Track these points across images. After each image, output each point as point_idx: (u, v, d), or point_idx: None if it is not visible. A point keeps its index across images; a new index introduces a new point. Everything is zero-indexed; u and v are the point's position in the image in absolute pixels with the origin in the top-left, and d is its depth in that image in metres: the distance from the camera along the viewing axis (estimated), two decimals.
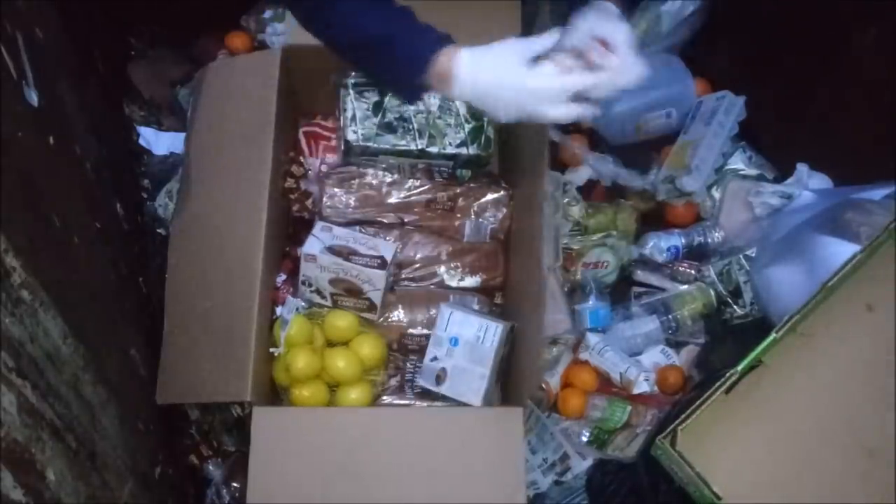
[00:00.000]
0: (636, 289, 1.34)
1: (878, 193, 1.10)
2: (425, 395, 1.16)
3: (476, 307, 1.20)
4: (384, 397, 1.18)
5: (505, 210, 1.25)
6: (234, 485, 1.20)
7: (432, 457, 1.01)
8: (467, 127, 1.22)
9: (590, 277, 1.28)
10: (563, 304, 1.23)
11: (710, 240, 1.30)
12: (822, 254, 1.05)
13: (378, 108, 1.21)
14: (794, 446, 0.85)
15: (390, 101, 1.21)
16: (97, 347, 0.95)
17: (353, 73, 1.20)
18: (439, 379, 1.12)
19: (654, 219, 1.36)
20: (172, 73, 1.44)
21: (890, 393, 0.85)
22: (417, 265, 1.22)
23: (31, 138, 0.90)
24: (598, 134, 1.39)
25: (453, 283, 1.22)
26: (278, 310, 1.16)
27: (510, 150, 1.28)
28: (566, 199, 1.31)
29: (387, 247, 1.15)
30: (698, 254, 1.31)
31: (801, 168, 1.26)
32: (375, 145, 1.20)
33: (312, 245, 1.13)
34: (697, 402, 0.83)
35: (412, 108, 1.21)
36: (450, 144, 1.22)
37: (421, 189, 1.23)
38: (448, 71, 0.79)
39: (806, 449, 0.84)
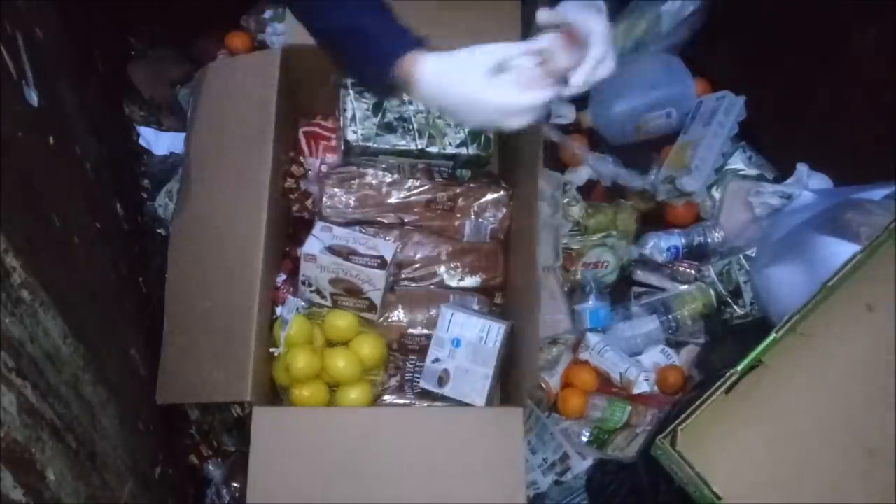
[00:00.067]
0: (636, 289, 1.34)
1: (878, 193, 1.10)
2: (425, 395, 1.16)
3: (476, 307, 1.20)
4: (384, 397, 1.18)
5: (505, 210, 1.25)
6: (234, 485, 1.20)
7: (432, 457, 1.01)
8: (467, 127, 1.22)
9: (590, 277, 1.28)
10: (563, 304, 1.23)
11: (710, 240, 1.30)
12: (822, 254, 1.05)
13: (378, 108, 1.21)
14: (794, 446, 0.85)
15: (390, 101, 1.21)
16: (97, 347, 0.95)
17: None
18: (442, 380, 1.12)
19: (654, 219, 1.36)
20: (172, 73, 1.44)
21: (890, 393, 0.85)
22: (417, 265, 1.22)
23: (31, 138, 0.90)
24: (598, 134, 1.39)
25: (453, 283, 1.22)
26: (278, 310, 1.16)
27: (510, 150, 1.28)
28: (566, 199, 1.31)
29: (387, 247, 1.15)
30: (698, 254, 1.31)
31: (801, 168, 1.26)
32: (375, 145, 1.20)
33: (312, 245, 1.13)
34: (697, 402, 0.83)
35: (412, 108, 1.21)
36: (450, 144, 1.22)
37: (421, 189, 1.23)
38: (411, 75, 0.79)
39: (806, 449, 0.84)
